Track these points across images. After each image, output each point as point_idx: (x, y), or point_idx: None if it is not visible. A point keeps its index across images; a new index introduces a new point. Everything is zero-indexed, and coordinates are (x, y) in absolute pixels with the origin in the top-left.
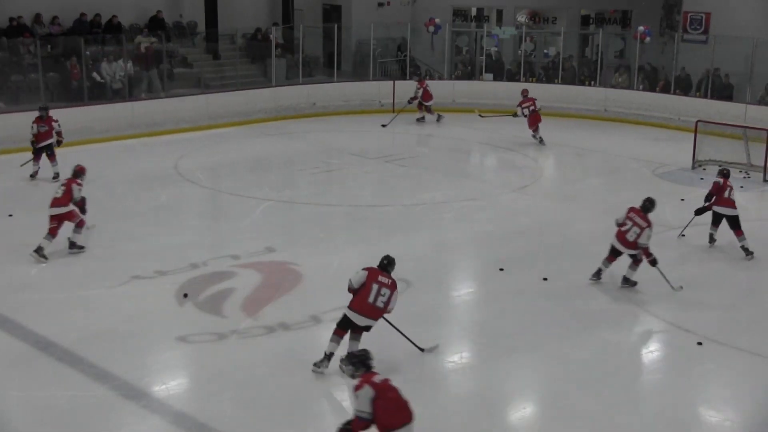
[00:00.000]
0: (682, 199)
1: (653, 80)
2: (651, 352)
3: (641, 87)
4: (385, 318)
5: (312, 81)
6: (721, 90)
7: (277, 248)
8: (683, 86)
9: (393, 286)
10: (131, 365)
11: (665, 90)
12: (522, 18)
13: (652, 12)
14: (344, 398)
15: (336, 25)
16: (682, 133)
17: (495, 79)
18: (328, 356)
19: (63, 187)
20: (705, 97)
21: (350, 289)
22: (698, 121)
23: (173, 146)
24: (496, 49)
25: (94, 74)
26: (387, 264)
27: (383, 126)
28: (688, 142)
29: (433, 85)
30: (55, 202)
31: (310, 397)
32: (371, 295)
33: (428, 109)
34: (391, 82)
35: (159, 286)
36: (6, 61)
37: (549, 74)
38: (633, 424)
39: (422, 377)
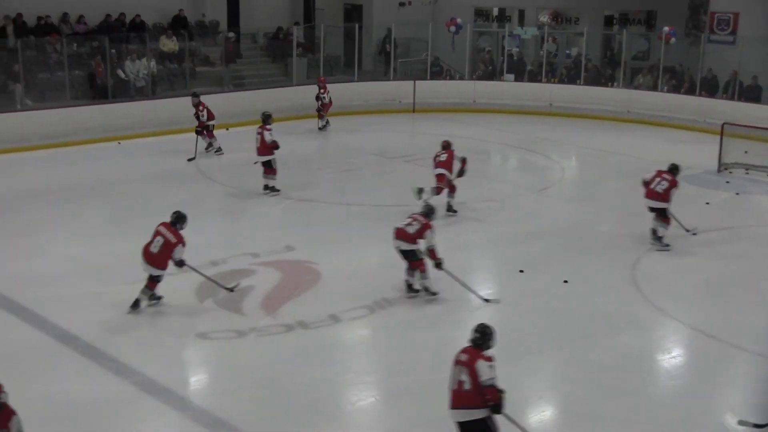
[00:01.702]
0: (708, 203)
1: (678, 81)
2: (673, 357)
3: (665, 88)
4: (445, 270)
5: (332, 80)
6: (749, 92)
7: (296, 247)
8: (709, 88)
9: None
10: (152, 361)
11: (690, 92)
12: (544, 18)
13: (678, 12)
14: (360, 398)
15: (357, 25)
16: (707, 136)
17: (516, 79)
18: None
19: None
20: (731, 99)
21: None
22: (724, 123)
23: (191, 145)
24: (518, 49)
25: (118, 72)
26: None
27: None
28: (714, 144)
29: (453, 86)
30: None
31: (328, 396)
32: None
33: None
34: (412, 82)
35: (179, 282)
36: (34, 60)
37: (571, 75)
38: (655, 430)
39: (440, 378)
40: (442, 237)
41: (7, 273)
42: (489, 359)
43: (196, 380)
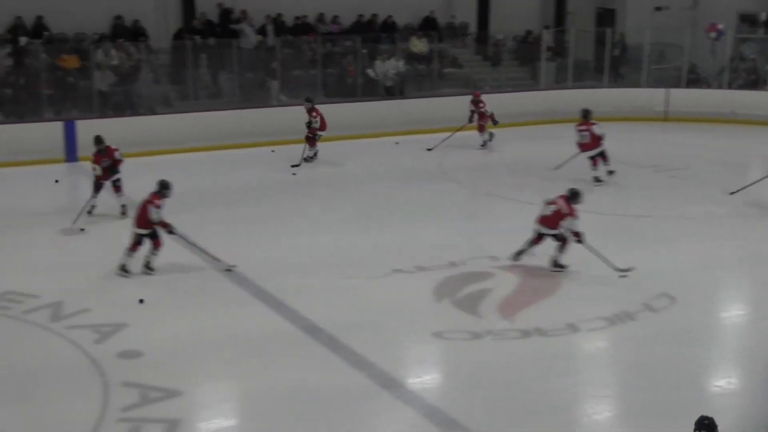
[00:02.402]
0: None
1: None
2: None
3: None
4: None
5: (581, 86)
6: None
7: (536, 253)
8: None
9: None
10: (389, 356)
11: None
12: None
13: None
14: (596, 410)
15: (609, 29)
16: None
17: None
18: None
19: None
20: None
21: None
22: None
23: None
24: None
25: (368, 71)
26: None
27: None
28: None
29: (709, 94)
30: None
31: (562, 405)
32: None
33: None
34: (664, 89)
35: (418, 281)
36: (290, 58)
37: None
38: None
39: (682, 397)
40: (689, 251)
41: (258, 261)
42: None
43: (431, 378)
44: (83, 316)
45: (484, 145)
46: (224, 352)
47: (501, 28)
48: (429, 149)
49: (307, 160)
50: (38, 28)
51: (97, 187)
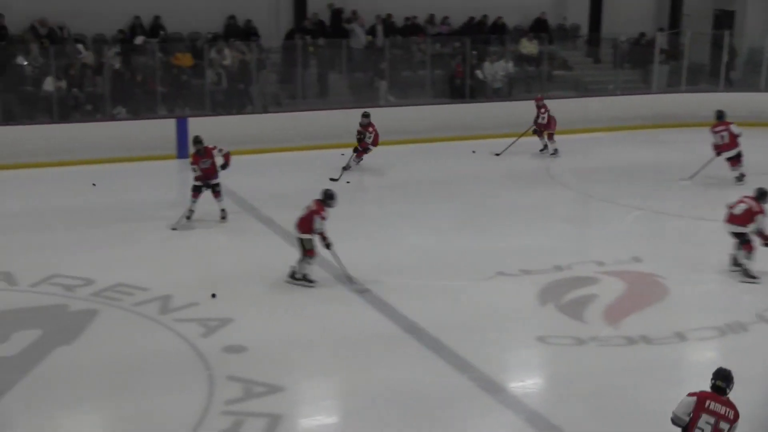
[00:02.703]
0: None
1: None
2: None
3: None
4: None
5: (695, 89)
6: None
7: (643, 259)
8: None
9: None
10: (491, 359)
11: None
12: None
13: None
14: None
15: (727, 32)
16: None
17: None
18: None
19: None
20: None
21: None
22: None
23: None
24: None
25: (477, 73)
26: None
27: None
28: None
29: None
30: None
31: (665, 416)
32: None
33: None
34: None
35: (522, 284)
36: (399, 58)
37: None
38: None
39: None
40: None
41: (363, 261)
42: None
43: (533, 383)
44: (191, 309)
45: (544, 149)
46: (327, 349)
47: (614, 30)
48: (497, 154)
49: (346, 168)
50: (155, 28)
51: (196, 190)
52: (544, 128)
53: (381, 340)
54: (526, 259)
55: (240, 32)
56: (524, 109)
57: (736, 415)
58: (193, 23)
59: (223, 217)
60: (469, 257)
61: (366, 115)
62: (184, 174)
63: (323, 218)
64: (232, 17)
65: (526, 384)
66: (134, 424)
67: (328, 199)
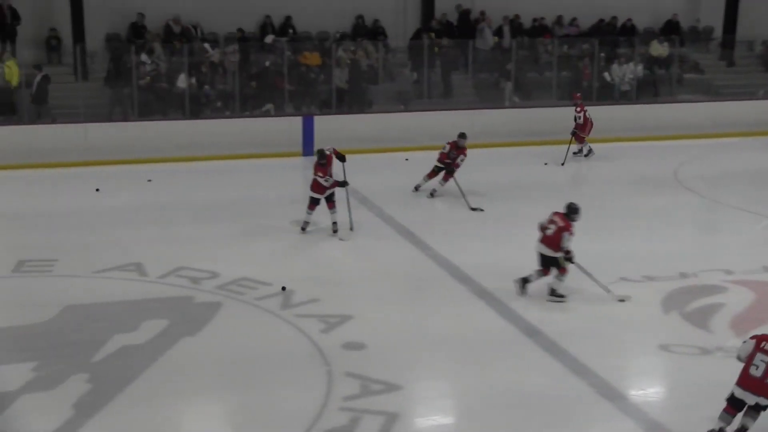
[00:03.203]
0: None
1: None
2: None
3: None
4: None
5: None
6: None
7: None
8: None
9: None
10: (611, 365)
11: None
12: None
13: None
14: None
15: None
16: None
17: None
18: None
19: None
20: None
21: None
22: None
23: (675, 152)
24: None
25: (604, 75)
26: None
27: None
28: None
29: None
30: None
31: None
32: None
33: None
34: None
35: (645, 290)
36: (525, 59)
37: None
38: None
39: None
40: None
41: (482, 261)
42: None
43: (655, 392)
44: (312, 305)
45: (581, 153)
46: (445, 349)
47: (750, 32)
48: (562, 164)
49: (432, 194)
50: (285, 27)
51: (314, 202)
52: (580, 129)
53: (498, 340)
54: (650, 265)
55: (367, 32)
56: (651, 113)
57: None
58: (321, 23)
59: (335, 231)
60: (590, 261)
61: (462, 136)
62: (309, 171)
63: (571, 234)
64: (360, 17)
65: (647, 392)
66: (253, 416)
67: (572, 213)
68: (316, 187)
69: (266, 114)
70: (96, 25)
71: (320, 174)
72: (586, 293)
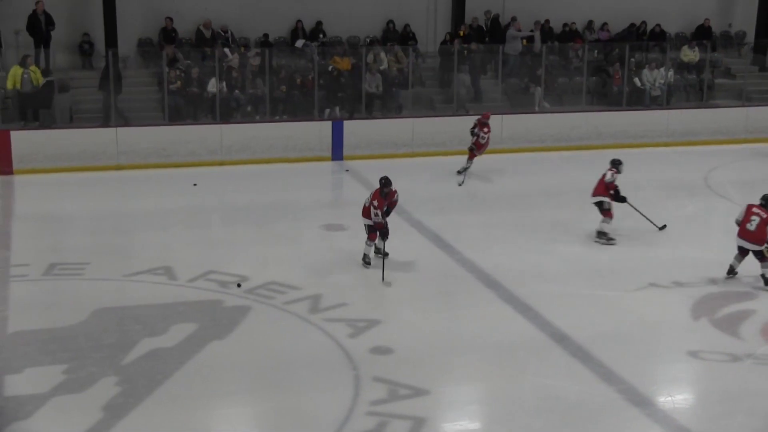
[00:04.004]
0: None
1: None
2: None
3: None
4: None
5: None
6: None
7: None
8: None
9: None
10: (639, 371)
11: None
12: None
13: None
14: None
15: None
16: None
17: None
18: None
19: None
20: None
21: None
22: None
23: (706, 158)
24: None
25: (635, 80)
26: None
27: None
28: None
29: None
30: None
31: None
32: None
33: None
34: None
35: (675, 296)
36: (555, 64)
37: None
38: None
39: None
40: None
41: (511, 266)
42: None
43: (683, 399)
44: (340, 310)
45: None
46: (472, 354)
47: None
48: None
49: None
50: (316, 32)
51: (373, 231)
52: (478, 147)
53: (526, 346)
54: (679, 271)
55: (398, 37)
56: (682, 118)
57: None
58: (352, 27)
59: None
60: (619, 266)
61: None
62: (339, 175)
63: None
64: (390, 22)
65: (675, 399)
66: (281, 420)
67: None
68: (366, 212)
69: (331, 117)
70: (128, 30)
71: (376, 204)
72: (613, 297)
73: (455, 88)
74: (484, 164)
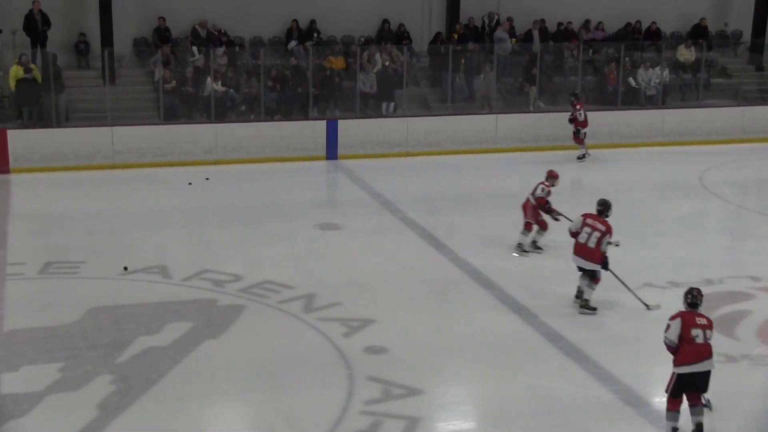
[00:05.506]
0: None
1: None
2: None
3: None
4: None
5: None
6: None
7: None
8: None
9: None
10: (635, 371)
11: None
12: None
13: None
14: None
15: None
16: None
17: None
18: None
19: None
20: None
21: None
22: None
23: (701, 157)
24: None
25: (630, 80)
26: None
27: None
28: None
29: None
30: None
31: None
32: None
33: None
34: None
35: (670, 296)
36: (551, 64)
37: None
38: None
39: None
40: None
41: (505, 267)
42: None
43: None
44: (334, 309)
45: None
46: (467, 354)
47: None
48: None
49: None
50: (310, 31)
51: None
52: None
53: (521, 346)
54: (675, 271)
55: (392, 36)
56: (678, 118)
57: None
58: (347, 27)
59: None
60: (614, 267)
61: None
62: (333, 175)
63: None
64: (385, 21)
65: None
66: (275, 418)
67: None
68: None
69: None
70: (124, 29)
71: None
72: (609, 301)
73: (447, 88)
74: (479, 163)
